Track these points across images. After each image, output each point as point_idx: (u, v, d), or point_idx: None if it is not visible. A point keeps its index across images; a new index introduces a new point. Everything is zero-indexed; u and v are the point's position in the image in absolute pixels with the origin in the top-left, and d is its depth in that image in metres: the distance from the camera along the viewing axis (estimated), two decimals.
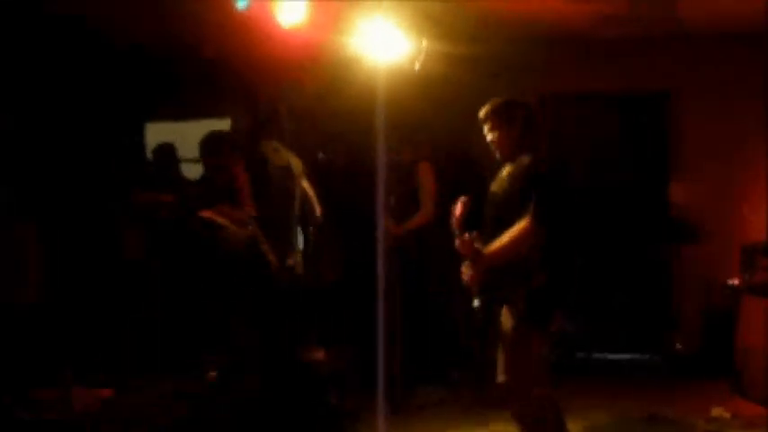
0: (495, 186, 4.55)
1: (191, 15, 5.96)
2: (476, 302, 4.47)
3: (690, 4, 6.60)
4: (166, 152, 7.32)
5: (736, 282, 6.73)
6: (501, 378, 4.40)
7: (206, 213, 5.62)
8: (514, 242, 4.26)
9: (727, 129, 7.67)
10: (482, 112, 4.58)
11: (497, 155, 4.56)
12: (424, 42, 5.69)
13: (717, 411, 5.93)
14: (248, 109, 7.64)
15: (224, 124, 8.11)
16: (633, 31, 7.30)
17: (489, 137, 4.55)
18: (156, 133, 8.63)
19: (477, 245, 4.37)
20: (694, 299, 7.47)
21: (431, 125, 7.04)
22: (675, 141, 7.87)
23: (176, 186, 6.82)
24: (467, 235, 4.43)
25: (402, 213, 6.59)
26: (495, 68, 7.09)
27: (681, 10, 6.72)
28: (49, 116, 6.95)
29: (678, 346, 7.33)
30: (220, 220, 5.56)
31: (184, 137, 7.93)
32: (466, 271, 4.47)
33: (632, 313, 7.70)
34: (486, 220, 4.51)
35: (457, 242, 4.42)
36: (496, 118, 4.53)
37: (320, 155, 7.36)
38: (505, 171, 4.51)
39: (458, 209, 4.53)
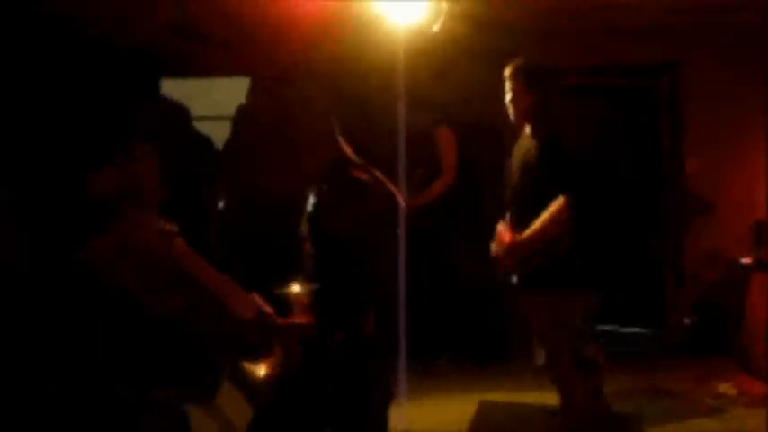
0: (520, 155, 4.48)
1: None
2: (514, 279, 4.47)
3: None
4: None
5: (746, 259, 6.70)
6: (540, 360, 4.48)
7: None
8: (552, 222, 4.24)
9: (733, 101, 7.59)
10: (507, 70, 4.50)
11: (512, 117, 4.51)
12: (444, 3, 5.65)
13: (723, 387, 5.92)
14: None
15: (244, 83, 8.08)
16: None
17: (508, 97, 4.51)
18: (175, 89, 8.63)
19: (512, 233, 4.36)
20: (702, 273, 7.43)
21: (449, 88, 7.00)
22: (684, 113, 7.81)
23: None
24: (500, 226, 4.43)
25: (419, 181, 6.56)
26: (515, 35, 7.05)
27: None
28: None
29: (686, 320, 7.30)
30: None
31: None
32: (503, 257, 4.45)
33: (638, 286, 7.68)
34: (516, 189, 4.47)
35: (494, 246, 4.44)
36: (520, 78, 4.44)
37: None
38: (527, 140, 4.44)
39: (499, 226, 4.48)
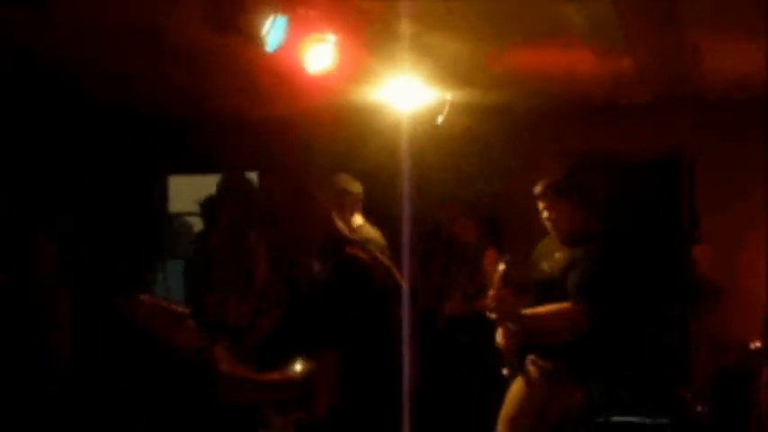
0: (545, 265, 4.40)
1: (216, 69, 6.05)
2: (505, 371, 4.38)
3: (705, 69, 6.65)
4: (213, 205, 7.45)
5: (758, 345, 6.64)
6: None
7: None
8: (554, 319, 4.17)
9: (742, 193, 7.67)
10: (537, 187, 4.39)
11: (556, 235, 4.37)
12: (448, 96, 5.74)
13: None
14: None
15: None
16: (648, 95, 7.36)
17: (545, 215, 4.38)
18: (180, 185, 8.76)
19: (514, 305, 4.26)
20: (711, 360, 7.37)
21: (455, 182, 7.07)
22: (693, 204, 7.87)
23: None
24: (504, 290, 4.30)
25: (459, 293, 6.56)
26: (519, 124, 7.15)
27: (692, 73, 6.77)
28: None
29: (699, 408, 7.20)
30: None
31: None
32: (500, 335, 4.35)
33: (651, 375, 7.59)
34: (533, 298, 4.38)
35: (492, 297, 4.29)
36: (553, 195, 4.32)
37: None
38: (560, 253, 4.35)
39: (500, 266, 4.33)
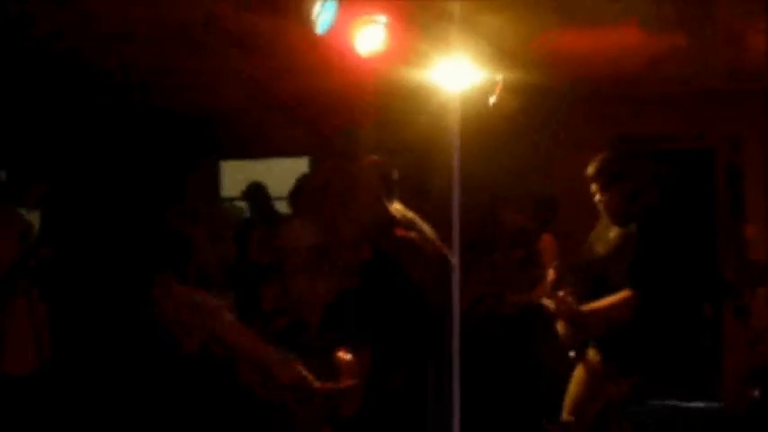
0: (600, 246, 4.40)
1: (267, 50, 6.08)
2: (572, 354, 4.43)
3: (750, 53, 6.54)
4: (258, 190, 7.53)
5: None
6: (565, 416, 4.36)
7: None
8: (614, 310, 4.16)
9: None
10: (590, 169, 4.42)
11: (607, 216, 4.41)
12: (499, 76, 5.70)
13: None
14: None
15: (302, 163, 8.30)
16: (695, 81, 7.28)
17: (597, 197, 4.41)
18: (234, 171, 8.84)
19: (573, 304, 4.28)
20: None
21: (508, 163, 7.05)
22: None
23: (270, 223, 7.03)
24: (561, 293, 4.34)
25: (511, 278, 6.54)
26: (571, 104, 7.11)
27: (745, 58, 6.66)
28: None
29: (755, 392, 7.12)
30: None
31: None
32: (561, 328, 4.39)
33: (695, 358, 7.52)
34: (587, 279, 4.39)
35: (550, 302, 4.34)
36: (606, 177, 4.36)
37: None
38: (614, 233, 4.36)
39: (551, 274, 4.42)
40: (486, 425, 6.04)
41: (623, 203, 4.33)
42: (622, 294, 4.14)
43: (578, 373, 4.52)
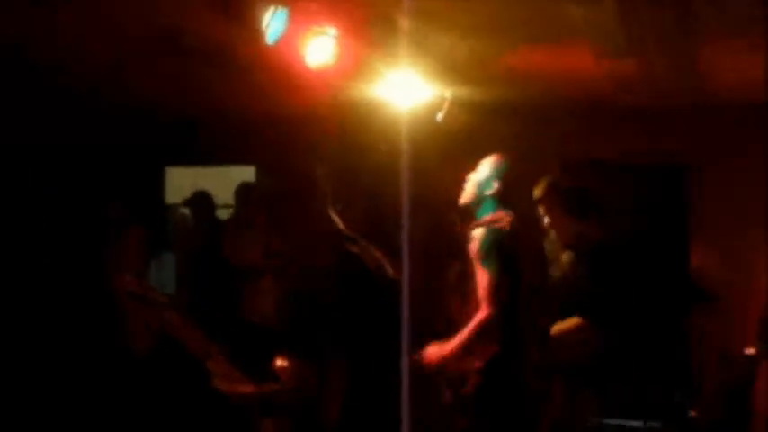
0: (555, 269, 4.36)
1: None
2: None
3: (711, 72, 6.63)
4: (203, 199, 7.49)
5: (750, 350, 6.66)
6: None
7: None
8: (568, 336, 4.20)
9: (748, 200, 7.68)
10: (536, 191, 4.42)
11: (557, 238, 4.40)
12: (448, 93, 5.70)
13: None
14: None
15: (248, 171, 8.25)
16: (652, 99, 7.35)
17: (546, 219, 4.41)
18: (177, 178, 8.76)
19: None
20: (712, 367, 7.41)
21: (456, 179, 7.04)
22: (695, 211, 7.88)
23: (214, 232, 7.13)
24: None
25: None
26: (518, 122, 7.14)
27: (700, 77, 6.75)
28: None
29: (692, 413, 7.21)
30: None
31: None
32: None
33: (647, 379, 7.59)
34: (549, 302, 4.36)
35: None
36: (550, 200, 4.39)
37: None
38: (566, 257, 4.32)
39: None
40: None
41: (566, 229, 4.29)
42: (574, 321, 4.07)
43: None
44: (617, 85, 6.97)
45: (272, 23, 4.29)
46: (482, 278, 3.81)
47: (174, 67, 6.28)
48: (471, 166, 7.21)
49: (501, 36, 5.65)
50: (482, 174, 4.10)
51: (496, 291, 3.75)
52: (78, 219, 5.70)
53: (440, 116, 5.75)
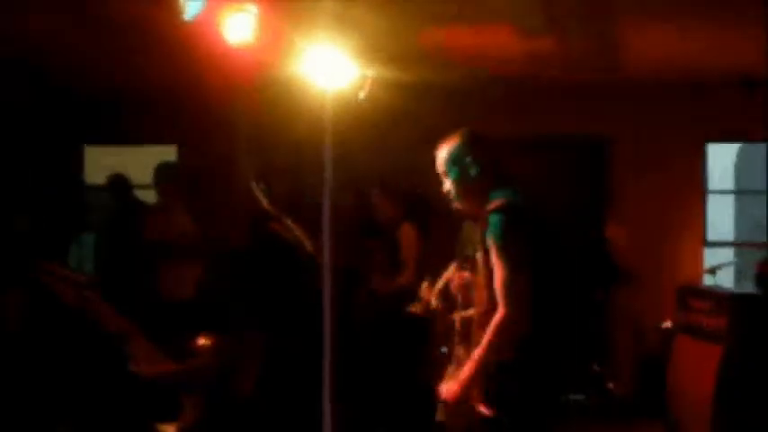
0: (471, 250, 4.11)
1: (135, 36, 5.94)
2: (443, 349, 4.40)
3: (628, 51, 6.75)
4: (120, 182, 7.49)
5: (668, 324, 6.81)
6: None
7: None
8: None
9: (663, 175, 7.86)
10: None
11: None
12: (369, 71, 5.68)
13: None
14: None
15: (170, 151, 8.20)
16: (571, 76, 7.47)
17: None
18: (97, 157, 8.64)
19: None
20: (627, 341, 7.59)
21: (378, 159, 7.08)
22: (613, 187, 8.03)
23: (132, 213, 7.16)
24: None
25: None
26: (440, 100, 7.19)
27: (614, 54, 6.87)
28: None
29: (610, 386, 7.37)
30: None
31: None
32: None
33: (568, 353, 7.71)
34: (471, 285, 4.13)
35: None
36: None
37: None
38: (477, 232, 4.09)
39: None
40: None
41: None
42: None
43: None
44: (537, 63, 7.05)
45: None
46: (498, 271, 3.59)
47: (86, 40, 6.17)
48: (392, 144, 7.32)
49: (422, 13, 5.68)
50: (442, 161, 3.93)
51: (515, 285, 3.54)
52: None
53: (361, 95, 5.72)
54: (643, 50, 6.74)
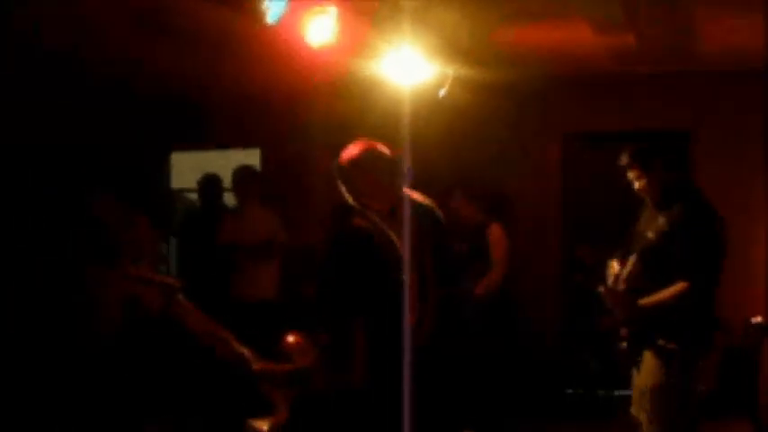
0: (650, 232, 4.53)
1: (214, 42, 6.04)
2: (623, 345, 4.59)
3: (704, 40, 6.64)
4: (212, 182, 7.53)
5: (759, 319, 6.68)
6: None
7: None
8: (671, 300, 4.34)
9: (734, 167, 7.72)
10: (623, 159, 4.60)
11: (650, 202, 4.61)
12: (450, 70, 5.71)
13: None
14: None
15: (253, 155, 8.27)
16: (649, 68, 7.37)
17: (636, 184, 4.59)
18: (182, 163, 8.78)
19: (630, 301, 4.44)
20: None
21: (458, 156, 7.08)
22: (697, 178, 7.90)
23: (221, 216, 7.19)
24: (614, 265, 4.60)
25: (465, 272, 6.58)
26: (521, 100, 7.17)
27: (693, 45, 6.76)
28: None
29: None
30: None
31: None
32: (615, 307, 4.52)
33: None
34: (639, 264, 4.52)
35: (610, 294, 4.51)
36: (637, 165, 4.55)
37: None
38: (662, 219, 4.50)
39: (601, 289, 4.55)
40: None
41: (661, 187, 4.50)
42: (678, 287, 4.31)
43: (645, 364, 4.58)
44: (615, 57, 6.99)
45: (273, 4, 4.31)
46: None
47: (170, 50, 6.29)
48: (470, 145, 7.30)
49: (501, 11, 5.68)
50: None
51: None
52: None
53: (442, 93, 5.76)
54: (719, 38, 6.63)
